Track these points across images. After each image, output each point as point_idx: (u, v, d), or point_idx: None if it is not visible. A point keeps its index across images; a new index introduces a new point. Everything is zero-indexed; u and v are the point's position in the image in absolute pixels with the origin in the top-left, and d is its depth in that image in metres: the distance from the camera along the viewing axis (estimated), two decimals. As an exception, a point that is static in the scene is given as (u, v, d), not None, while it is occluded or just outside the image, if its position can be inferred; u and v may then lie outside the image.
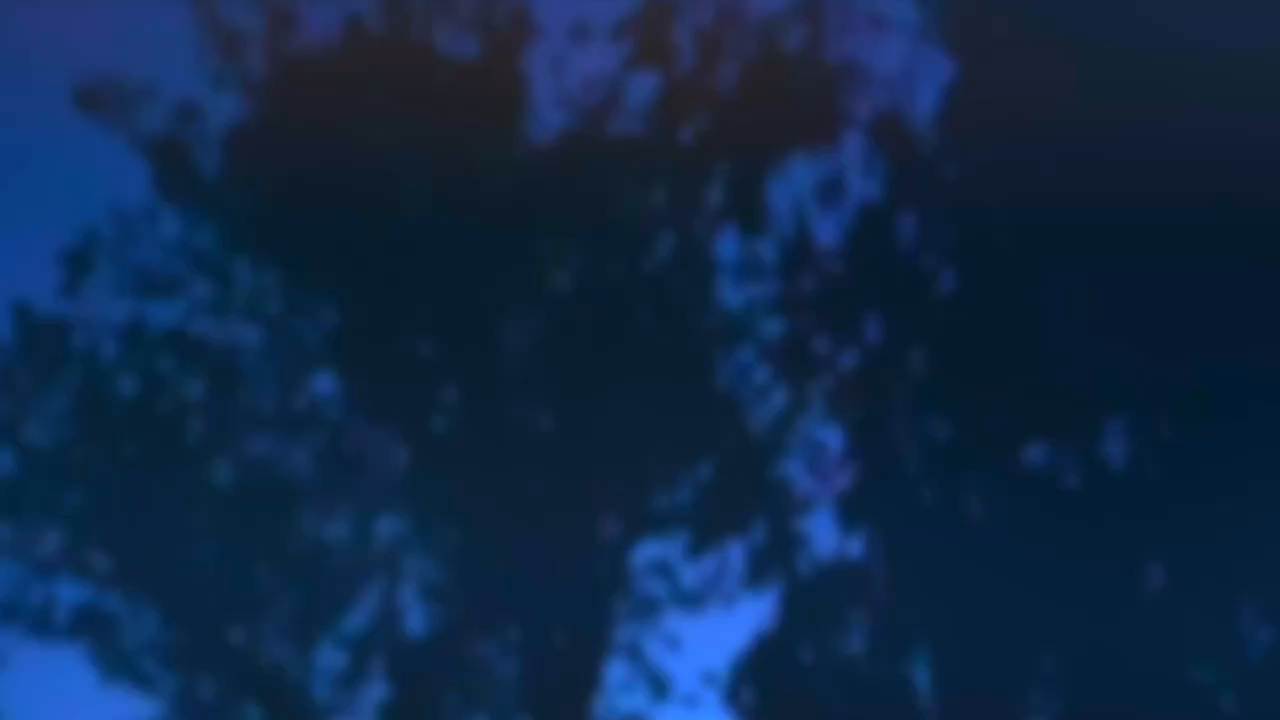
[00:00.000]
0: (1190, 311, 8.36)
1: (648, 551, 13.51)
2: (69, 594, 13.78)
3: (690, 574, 13.12)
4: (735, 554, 11.70)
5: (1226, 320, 8.25)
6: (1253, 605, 8.44)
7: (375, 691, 13.36)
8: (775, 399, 13.45)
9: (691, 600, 13.29)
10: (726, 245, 13.22)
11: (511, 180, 13.51)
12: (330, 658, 13.54)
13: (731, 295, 13.67)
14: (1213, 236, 8.31)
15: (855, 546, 10.38)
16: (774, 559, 10.97)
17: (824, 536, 10.86)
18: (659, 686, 13.15)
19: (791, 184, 13.25)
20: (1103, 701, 8.67)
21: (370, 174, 13.63)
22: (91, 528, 13.86)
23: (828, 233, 11.12)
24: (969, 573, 9.12)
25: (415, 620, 13.66)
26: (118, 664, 13.45)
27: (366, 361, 13.87)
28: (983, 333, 9.74)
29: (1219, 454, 8.24)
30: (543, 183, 13.36)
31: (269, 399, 14.33)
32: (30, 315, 14.31)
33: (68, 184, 16.00)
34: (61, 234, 14.24)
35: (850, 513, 10.48)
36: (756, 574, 11.11)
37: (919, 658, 9.84)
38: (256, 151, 13.66)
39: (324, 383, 14.14)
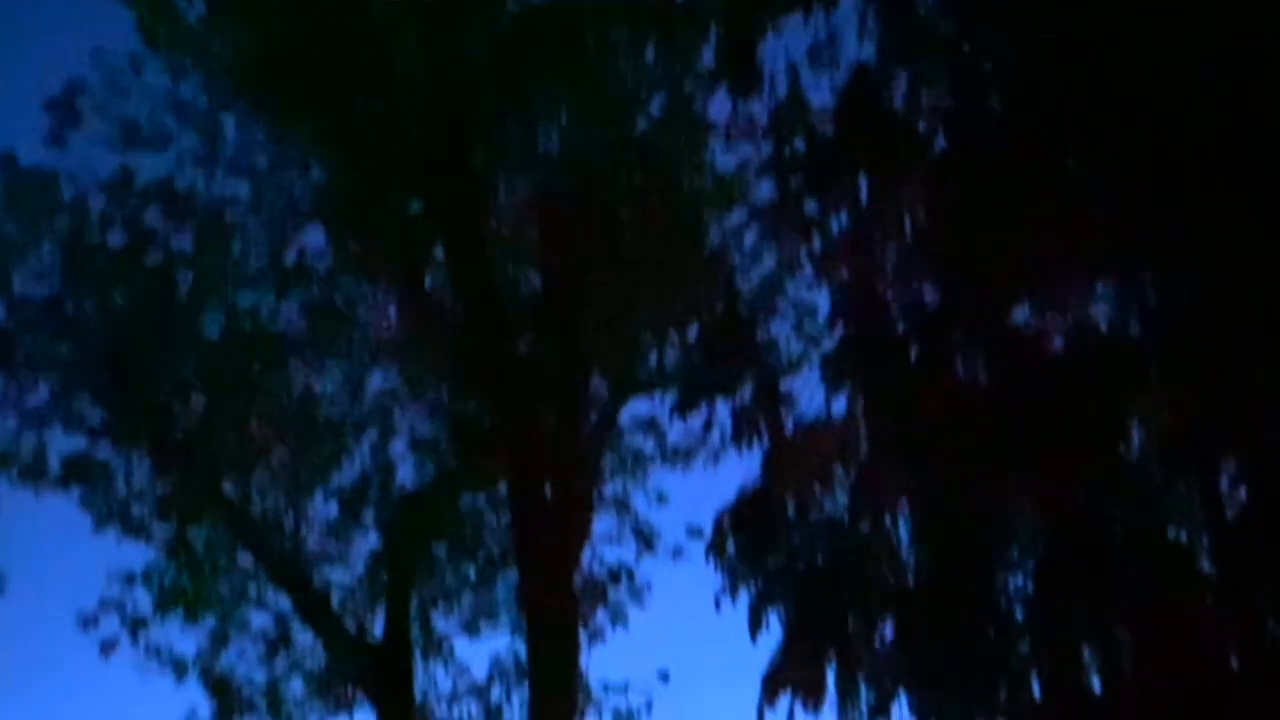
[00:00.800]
0: (1191, 174, 8.37)
1: (636, 409, 13.71)
2: (61, 443, 13.93)
3: (677, 431, 13.33)
4: (722, 412, 11.85)
5: (1228, 184, 8.26)
6: (1232, 467, 8.62)
7: (367, 541, 13.64)
8: (765, 261, 13.55)
9: (678, 456, 13.53)
10: (717, 106, 13.18)
11: (503, 40, 13.40)
12: (322, 508, 13.77)
13: (722, 157, 13.68)
14: (1216, 96, 8.29)
15: (840, 405, 10.52)
16: (760, 417, 11.07)
17: (811, 397, 11.01)
18: (645, 539, 13.46)
19: (783, 44, 13.17)
20: (1079, 560, 8.88)
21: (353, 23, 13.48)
22: (82, 378, 13.95)
23: (820, 94, 11.06)
24: (952, 431, 9.25)
25: (406, 473, 13.88)
26: (110, 511, 13.65)
27: (356, 218, 13.87)
28: (974, 195, 9.76)
29: (1208, 318, 8.33)
30: (534, 43, 13.26)
31: (258, 253, 14.35)
32: (16, 165, 14.22)
33: (52, 33, 15.80)
34: (47, 84, 14.11)
35: (837, 373, 10.57)
36: (742, 431, 11.22)
37: (900, 514, 10.05)
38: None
39: (314, 238, 14.16)
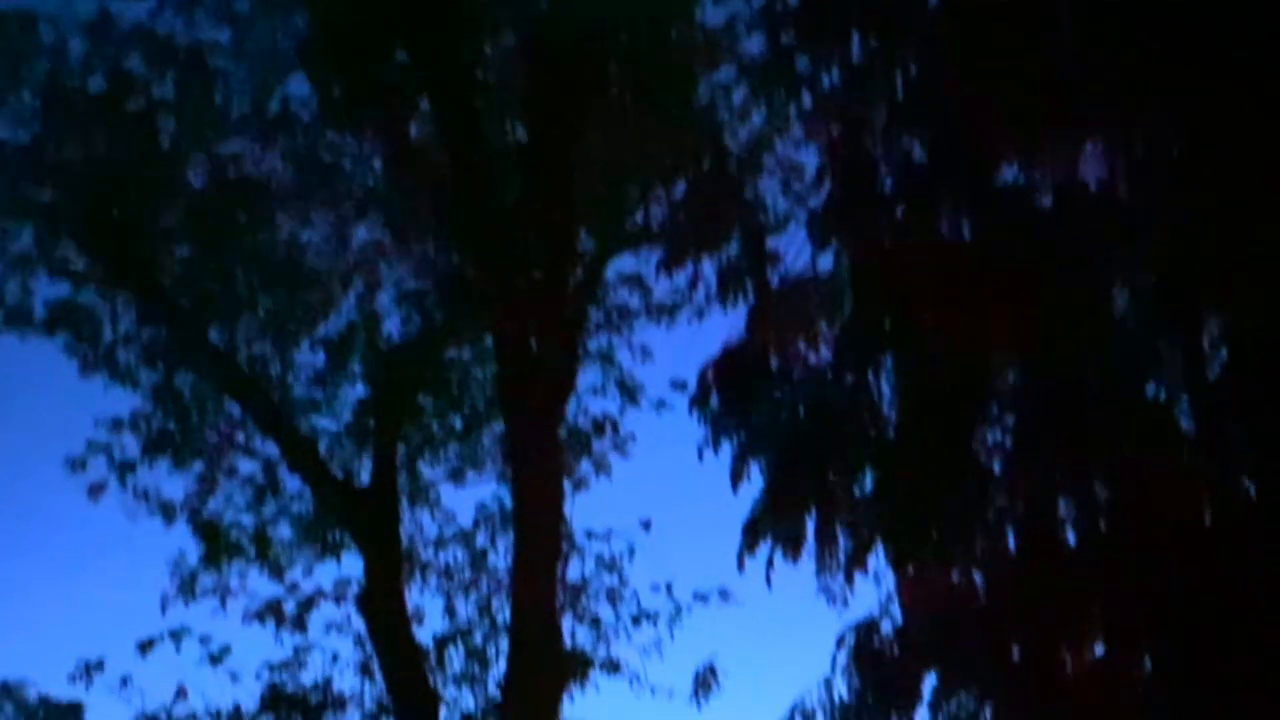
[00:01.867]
0: (1182, 34, 8.33)
1: (622, 264, 13.74)
2: (46, 289, 13.92)
3: (663, 287, 13.38)
4: (708, 268, 11.90)
5: (1219, 43, 8.23)
6: (1214, 327, 8.72)
7: (353, 391, 13.74)
8: (753, 117, 13.48)
9: (663, 312, 13.61)
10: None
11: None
12: (308, 358, 13.84)
13: (712, 11, 13.53)
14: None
15: (826, 262, 10.58)
16: (746, 274, 11.12)
17: (797, 254, 11.06)
18: (629, 392, 13.59)
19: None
20: (1058, 416, 9.01)
21: None
22: (65, 224, 13.89)
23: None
24: (937, 288, 9.33)
25: (392, 325, 13.93)
26: (97, 358, 13.70)
27: (340, 66, 13.71)
28: (965, 53, 9.71)
29: (1196, 178, 8.36)
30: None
31: (241, 101, 14.20)
32: (-7, 7, 13.96)
33: None
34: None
35: (823, 230, 10.61)
36: (728, 288, 11.28)
37: (883, 369, 10.17)
38: None
39: (298, 86, 14.00)
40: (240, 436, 13.58)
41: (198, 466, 13.70)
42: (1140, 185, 8.93)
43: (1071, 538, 9.22)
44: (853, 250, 10.36)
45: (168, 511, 13.58)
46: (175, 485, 13.71)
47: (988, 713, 9.95)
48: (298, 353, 13.88)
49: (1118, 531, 8.38)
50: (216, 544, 13.60)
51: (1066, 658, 9.10)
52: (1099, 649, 8.82)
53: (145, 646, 12.46)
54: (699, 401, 11.41)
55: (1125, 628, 8.23)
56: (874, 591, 10.64)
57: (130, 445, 13.60)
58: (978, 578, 10.03)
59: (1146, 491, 8.11)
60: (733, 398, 11.19)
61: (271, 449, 13.63)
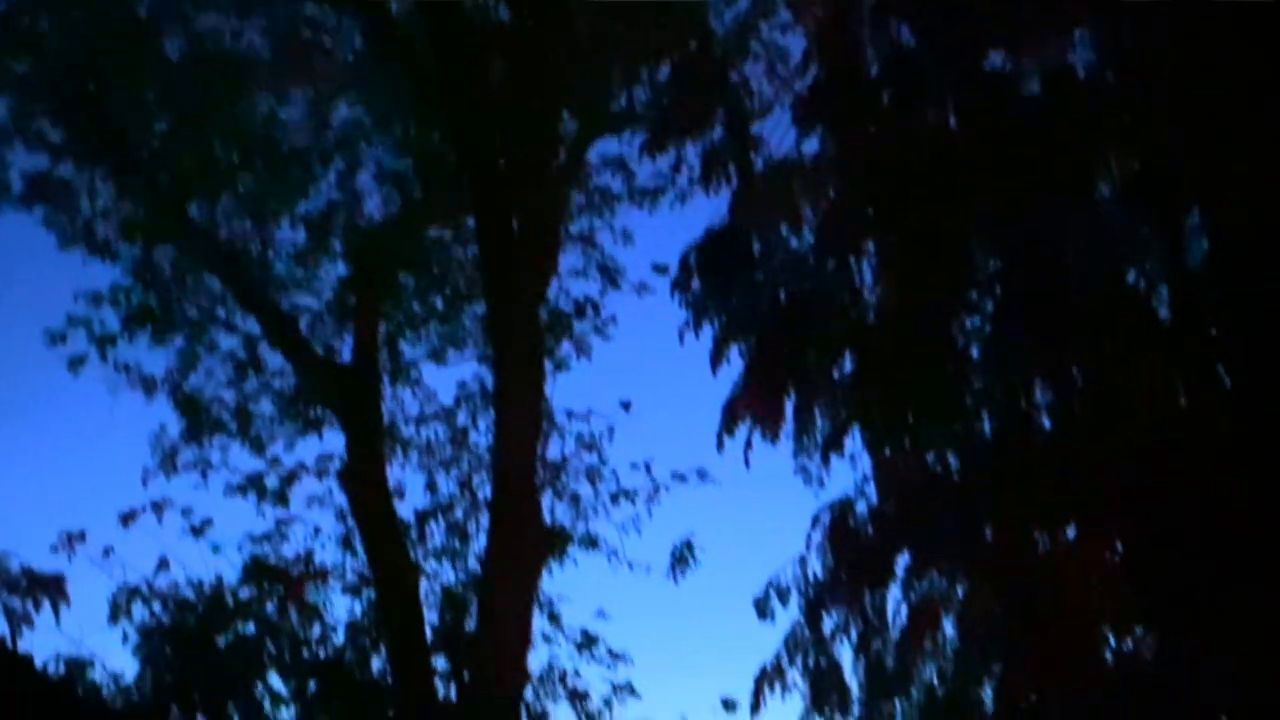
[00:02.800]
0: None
1: (605, 147, 13.68)
2: (23, 162, 13.78)
3: (646, 171, 13.34)
4: (691, 152, 11.87)
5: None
6: (1195, 216, 8.79)
7: (334, 269, 13.71)
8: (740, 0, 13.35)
9: (646, 196, 13.59)
10: None
11: None
12: (289, 235, 13.78)
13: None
14: None
15: (811, 147, 10.58)
16: (730, 158, 11.11)
17: (781, 139, 11.05)
18: (611, 275, 13.62)
19: None
20: (1038, 303, 9.10)
21: None
22: (41, 97, 13.71)
23: None
24: (921, 173, 9.35)
25: (373, 205, 13.87)
26: (75, 231, 13.62)
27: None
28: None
29: (1184, 68, 8.37)
30: None
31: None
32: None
33: None
34: None
35: (808, 115, 10.59)
36: (712, 172, 11.27)
37: (865, 254, 10.24)
38: None
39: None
40: (221, 312, 13.57)
41: (178, 341, 13.74)
42: (1128, 74, 8.95)
43: (1047, 423, 9.39)
44: (838, 136, 10.37)
45: (148, 386, 13.62)
46: (156, 360, 13.76)
47: (959, 592, 10.22)
48: (278, 230, 13.85)
49: (1093, 417, 8.52)
50: (198, 419, 13.66)
51: (1038, 540, 9.33)
52: (1071, 532, 9.05)
53: (127, 518, 12.56)
54: (680, 285, 11.48)
55: (1098, 512, 8.41)
56: (850, 473, 10.85)
57: (110, 319, 13.60)
58: (953, 461, 10.24)
59: (1123, 379, 8.24)
60: (714, 281, 11.25)
61: (252, 325, 13.64)
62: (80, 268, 13.67)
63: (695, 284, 11.26)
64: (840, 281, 10.34)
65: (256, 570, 12.13)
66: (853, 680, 10.52)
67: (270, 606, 12.02)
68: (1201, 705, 7.45)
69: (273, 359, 13.50)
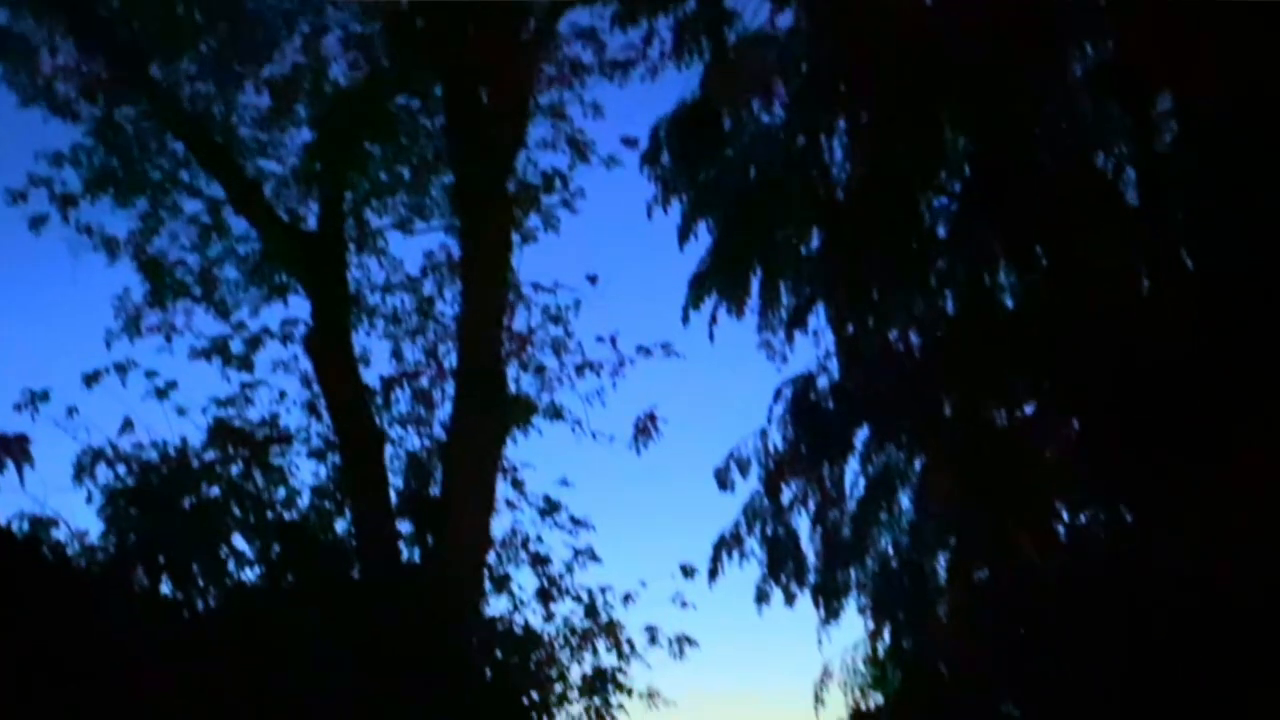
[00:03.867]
0: None
1: (576, 17, 13.49)
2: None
3: (617, 43, 13.19)
4: (663, 24, 11.77)
5: None
6: (1165, 101, 8.86)
7: (300, 134, 13.54)
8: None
9: (616, 69, 13.46)
10: None
11: None
12: (253, 100, 13.58)
13: None
14: None
15: (785, 21, 10.54)
16: (702, 31, 11.04)
17: (755, 13, 10.99)
18: (579, 148, 13.53)
19: None
20: (1006, 183, 9.17)
21: None
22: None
23: None
24: (894, 52, 9.35)
25: (339, 71, 13.66)
26: (35, 89, 13.37)
27: None
28: None
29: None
30: None
31: None
32: None
33: None
34: None
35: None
36: (683, 45, 11.20)
37: (836, 131, 10.27)
38: None
39: None
40: (185, 175, 13.40)
41: (141, 204, 13.58)
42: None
43: (1009, 303, 9.55)
44: (811, 10, 10.33)
45: (111, 247, 13.49)
46: (118, 222, 13.60)
47: (916, 466, 10.47)
48: (242, 94, 13.64)
49: (1056, 297, 8.66)
50: (162, 282, 13.56)
51: (996, 417, 9.54)
52: (1029, 408, 9.25)
53: (91, 379, 12.50)
54: (650, 159, 11.48)
55: (1057, 390, 8.60)
56: (813, 348, 11.04)
57: (72, 179, 13.41)
58: (915, 338, 10.40)
59: (1088, 260, 8.37)
60: (684, 156, 11.28)
61: (216, 190, 13.48)
62: (41, 126, 13.46)
63: (665, 158, 11.29)
64: (810, 158, 10.40)
65: (221, 433, 12.14)
66: (809, 549, 10.82)
67: (235, 469, 12.11)
68: (1152, 578, 7.70)
69: (237, 224, 13.41)
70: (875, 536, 10.62)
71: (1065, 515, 9.18)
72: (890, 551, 10.58)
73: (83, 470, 11.56)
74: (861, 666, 10.78)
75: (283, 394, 12.52)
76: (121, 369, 12.30)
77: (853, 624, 10.70)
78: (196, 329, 13.23)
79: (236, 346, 12.95)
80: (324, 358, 12.33)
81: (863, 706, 10.96)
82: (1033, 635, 8.65)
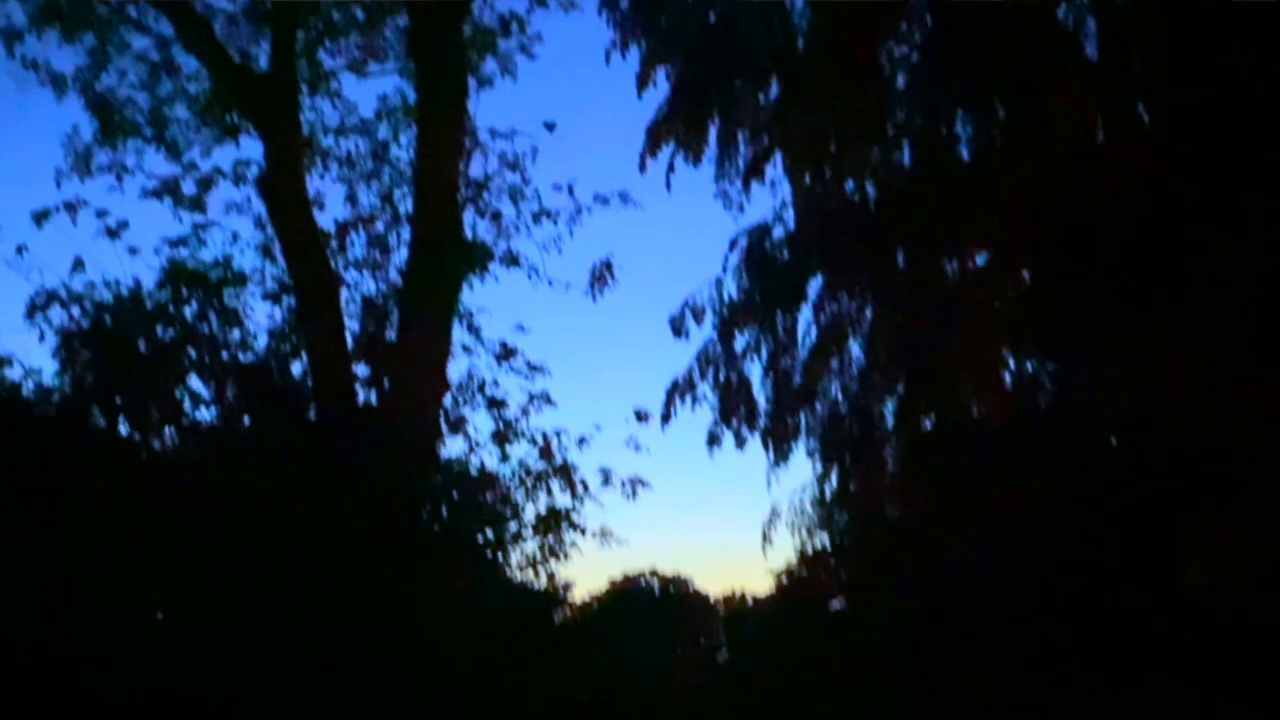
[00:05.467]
0: None
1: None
2: None
3: None
4: None
5: None
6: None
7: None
8: None
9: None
10: None
11: None
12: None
13: None
14: None
15: None
16: None
17: None
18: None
19: None
20: (966, 33, 9.17)
21: None
22: None
23: None
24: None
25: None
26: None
27: None
28: None
29: None
30: None
31: None
32: None
33: None
34: None
35: None
36: None
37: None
38: None
39: None
40: (133, 11, 13.09)
41: (89, 40, 13.28)
42: None
43: (966, 154, 9.64)
44: None
45: (59, 84, 13.24)
46: (66, 58, 13.32)
47: (868, 314, 10.65)
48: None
49: (1012, 148, 8.76)
50: (111, 121, 13.35)
51: (949, 266, 9.70)
52: (981, 259, 9.42)
53: (40, 217, 12.37)
54: (609, 3, 11.39)
55: (1010, 240, 8.75)
56: (770, 198, 11.11)
57: (16, 13, 13.08)
58: (871, 191, 10.51)
59: (1045, 111, 8.44)
60: (643, 1, 11.19)
61: (165, 27, 13.22)
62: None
63: (624, 2, 11.20)
64: (770, 5, 10.35)
65: (175, 274, 12.10)
66: (760, 395, 11.02)
67: (189, 311, 12.10)
68: (1094, 425, 7.96)
69: (187, 63, 13.19)
70: (825, 383, 10.83)
71: (1012, 364, 9.42)
72: (839, 398, 10.80)
73: (36, 310, 11.52)
74: (809, 508, 11.07)
75: (236, 236, 12.46)
76: (71, 208, 12.18)
77: (801, 467, 10.96)
78: (148, 169, 13.12)
79: (188, 187, 12.85)
80: (277, 200, 12.27)
81: (809, 547, 11.31)
82: (979, 480, 8.94)
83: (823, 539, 11.30)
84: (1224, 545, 6.64)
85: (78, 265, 11.73)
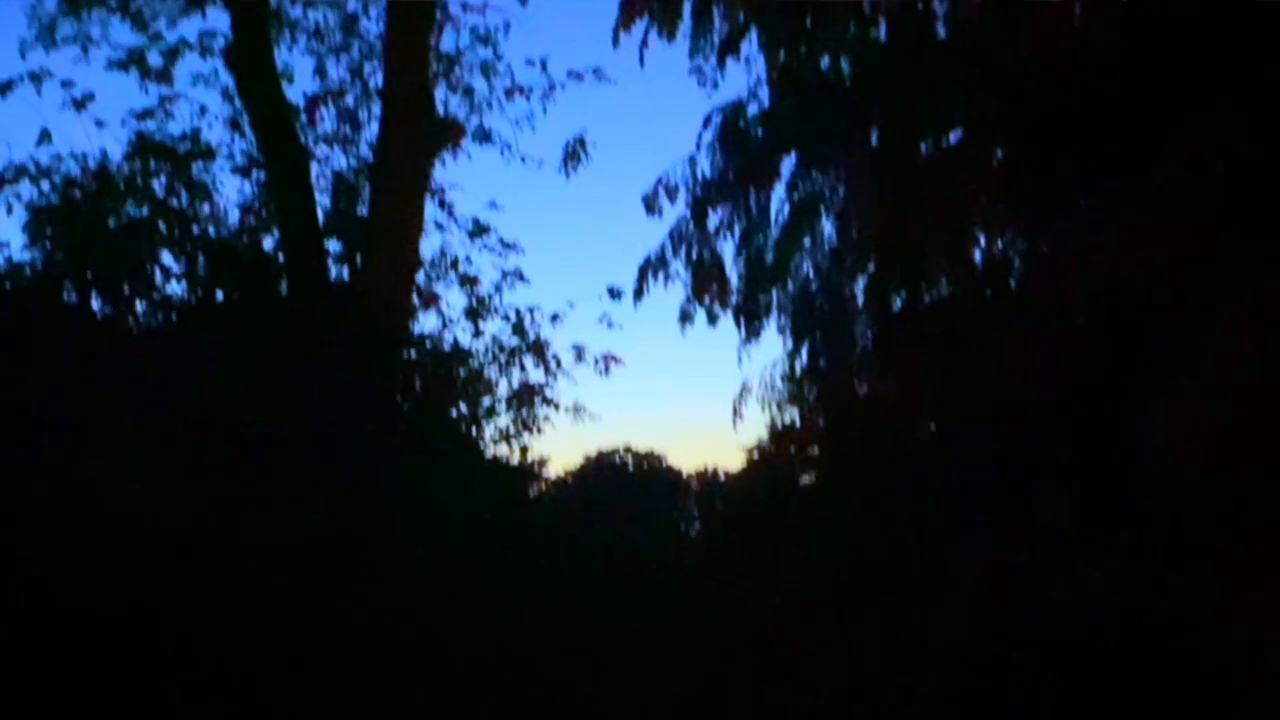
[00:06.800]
0: None
1: None
2: None
3: None
4: None
5: None
6: None
7: None
8: None
9: None
10: None
11: None
12: None
13: None
14: None
15: None
16: None
17: None
18: None
19: None
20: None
21: None
22: None
23: None
24: None
25: None
26: None
27: None
28: None
29: None
30: None
31: None
32: None
33: None
34: None
35: None
36: None
37: None
38: None
39: None
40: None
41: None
42: None
43: (942, 32, 9.61)
44: None
45: (18, -51, 12.97)
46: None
47: (841, 192, 10.68)
48: None
49: (989, 26, 8.74)
50: (74, -12, 13.14)
51: (924, 145, 9.72)
52: (955, 137, 9.44)
53: (3, 89, 12.22)
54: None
55: (986, 117, 8.76)
56: (744, 75, 11.06)
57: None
58: (846, 67, 10.47)
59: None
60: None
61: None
62: None
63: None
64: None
65: (142, 147, 11.99)
66: (733, 272, 11.08)
67: (158, 185, 12.01)
68: (1063, 295, 8.05)
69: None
70: (797, 261, 10.89)
71: (983, 243, 9.49)
72: (811, 275, 10.87)
73: (3, 183, 11.43)
74: (779, 383, 11.20)
75: (203, 108, 12.34)
76: (36, 78, 12.04)
77: (772, 345, 11.07)
78: (113, 40, 12.91)
79: (154, 59, 12.68)
80: (245, 72, 12.12)
81: (779, 422, 11.46)
82: (947, 357, 9.05)
83: (792, 414, 11.45)
84: (1187, 411, 6.81)
85: (44, 137, 11.63)
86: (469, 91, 12.66)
